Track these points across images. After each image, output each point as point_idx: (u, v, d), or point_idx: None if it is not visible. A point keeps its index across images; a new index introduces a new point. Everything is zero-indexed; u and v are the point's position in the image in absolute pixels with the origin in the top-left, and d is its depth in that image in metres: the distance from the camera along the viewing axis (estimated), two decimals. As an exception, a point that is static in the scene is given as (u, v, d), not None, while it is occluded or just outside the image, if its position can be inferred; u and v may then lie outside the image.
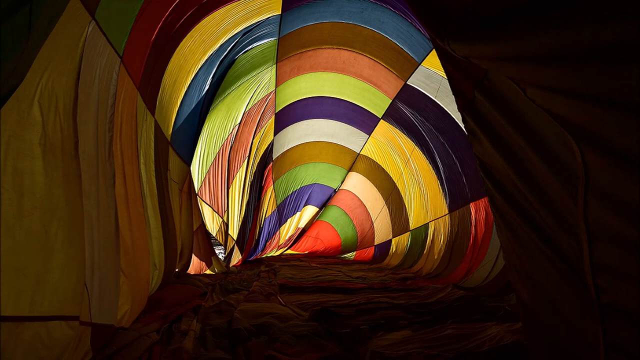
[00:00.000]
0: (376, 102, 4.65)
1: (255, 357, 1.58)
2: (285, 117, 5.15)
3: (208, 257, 3.90)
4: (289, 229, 6.82)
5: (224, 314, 2.27)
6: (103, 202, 1.56)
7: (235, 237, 4.62)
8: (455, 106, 1.27)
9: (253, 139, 4.70)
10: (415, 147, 4.56)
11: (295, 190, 6.48)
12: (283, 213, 6.50)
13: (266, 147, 5.30)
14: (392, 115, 4.61)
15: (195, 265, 3.69)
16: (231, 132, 4.22)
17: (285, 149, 5.75)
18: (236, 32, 3.24)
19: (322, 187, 6.65)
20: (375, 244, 6.09)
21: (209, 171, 4.11)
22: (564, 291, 0.85)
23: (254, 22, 3.32)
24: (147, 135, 2.40)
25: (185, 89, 3.04)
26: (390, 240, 5.60)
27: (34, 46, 1.11)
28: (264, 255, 6.13)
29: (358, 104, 4.88)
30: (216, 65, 3.34)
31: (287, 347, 1.71)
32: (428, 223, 4.64)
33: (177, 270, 3.15)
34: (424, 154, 4.46)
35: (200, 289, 2.82)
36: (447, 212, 4.23)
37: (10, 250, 1.06)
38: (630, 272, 0.68)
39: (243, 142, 4.55)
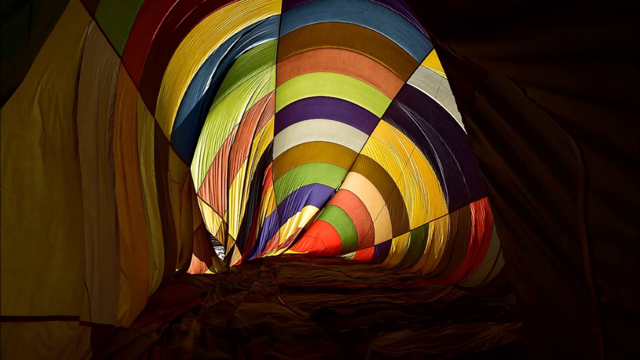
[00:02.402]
0: (376, 102, 4.65)
1: (255, 357, 1.58)
2: (285, 117, 5.15)
3: (208, 257, 3.90)
4: (289, 229, 6.82)
5: (224, 314, 2.27)
6: (103, 202, 1.56)
7: (235, 237, 4.62)
8: (455, 106, 1.27)
9: (253, 139, 4.70)
10: (415, 147, 4.56)
11: (295, 190, 6.48)
12: (283, 213, 6.50)
13: (266, 147, 5.30)
14: (392, 115, 4.61)
15: (195, 265, 3.69)
16: (231, 132, 4.22)
17: (285, 149, 5.75)
18: (236, 32, 3.23)
19: (322, 187, 6.65)
20: (375, 244, 6.08)
21: (209, 171, 4.12)
22: (564, 291, 0.85)
23: (254, 22, 3.32)
24: (147, 135, 2.40)
25: (185, 89, 3.04)
26: (390, 240, 5.60)
27: (34, 46, 1.11)
28: (264, 255, 6.13)
29: (358, 104, 4.88)
30: (216, 65, 3.34)
31: (287, 347, 1.71)
32: (428, 223, 4.64)
33: (177, 270, 3.15)
34: (424, 154, 4.46)
35: (200, 289, 2.82)
36: (447, 212, 4.23)
37: (10, 250, 1.06)
38: (630, 272, 0.68)
39: (243, 142, 4.55)
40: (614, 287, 0.71)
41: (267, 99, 4.53)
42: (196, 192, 3.89)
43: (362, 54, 4.11)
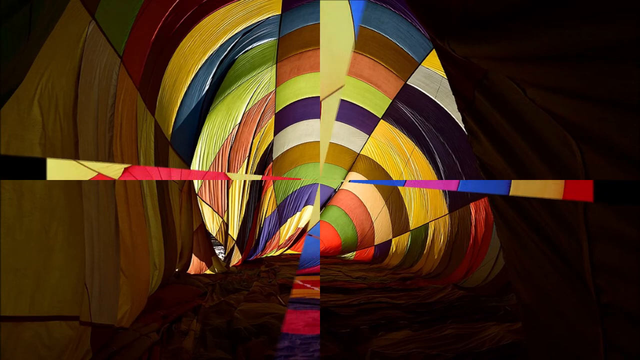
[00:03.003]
0: (376, 102, 4.65)
1: (255, 357, 1.58)
2: (285, 117, 5.15)
3: (208, 257, 3.90)
4: (289, 229, 6.82)
5: (224, 314, 2.27)
6: (103, 202, 1.56)
7: (235, 237, 4.62)
8: (455, 106, 1.27)
9: (253, 139, 4.70)
10: (415, 147, 4.56)
11: (295, 190, 6.48)
12: (283, 213, 6.50)
13: (266, 147, 5.30)
14: (392, 115, 4.61)
15: (195, 265, 3.69)
16: (231, 132, 4.22)
17: (285, 149, 5.76)
18: (236, 32, 3.23)
19: (322, 187, 6.65)
20: (375, 244, 6.08)
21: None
22: (564, 291, 0.85)
23: (254, 22, 3.32)
24: (147, 135, 2.40)
25: (185, 89, 3.04)
26: (390, 240, 5.60)
27: (34, 46, 1.11)
28: (264, 255, 6.13)
29: (358, 104, 4.88)
30: (216, 65, 3.34)
31: (287, 347, 1.71)
32: (428, 223, 4.64)
33: (177, 270, 3.15)
34: (424, 154, 4.46)
35: (200, 289, 2.82)
36: (447, 212, 4.23)
37: (10, 250, 1.06)
38: (630, 272, 0.68)
39: (243, 142, 4.55)
40: (614, 287, 0.71)
41: (267, 99, 4.53)
42: (196, 192, 3.89)
43: (362, 54, 4.10)
